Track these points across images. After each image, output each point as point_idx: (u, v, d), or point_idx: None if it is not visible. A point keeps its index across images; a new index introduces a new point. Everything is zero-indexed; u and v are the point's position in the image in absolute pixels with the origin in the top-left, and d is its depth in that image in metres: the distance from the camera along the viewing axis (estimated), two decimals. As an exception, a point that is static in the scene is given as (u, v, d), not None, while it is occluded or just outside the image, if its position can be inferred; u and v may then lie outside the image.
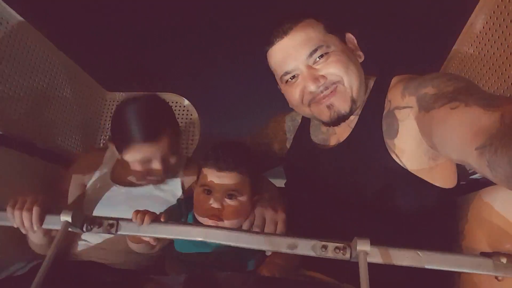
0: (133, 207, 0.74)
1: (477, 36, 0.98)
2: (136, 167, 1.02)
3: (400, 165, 0.82)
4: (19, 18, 1.24)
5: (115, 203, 1.07)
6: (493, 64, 0.91)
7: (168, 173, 1.08)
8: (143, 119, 1.00)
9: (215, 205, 0.88)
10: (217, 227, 0.74)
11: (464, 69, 1.07)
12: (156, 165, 1.02)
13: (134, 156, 1.00)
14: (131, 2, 1.88)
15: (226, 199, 0.88)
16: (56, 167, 1.35)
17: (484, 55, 0.94)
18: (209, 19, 1.97)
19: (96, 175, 1.16)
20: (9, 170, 1.15)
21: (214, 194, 0.89)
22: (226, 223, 0.88)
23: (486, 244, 0.79)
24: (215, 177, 0.89)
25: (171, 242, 0.94)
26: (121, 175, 1.14)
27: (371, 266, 0.57)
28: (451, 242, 0.88)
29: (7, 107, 1.20)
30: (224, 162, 0.89)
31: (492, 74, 0.91)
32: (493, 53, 0.90)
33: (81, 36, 1.86)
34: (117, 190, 1.10)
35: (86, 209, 1.08)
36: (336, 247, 0.62)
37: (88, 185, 1.14)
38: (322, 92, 0.85)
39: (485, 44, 0.94)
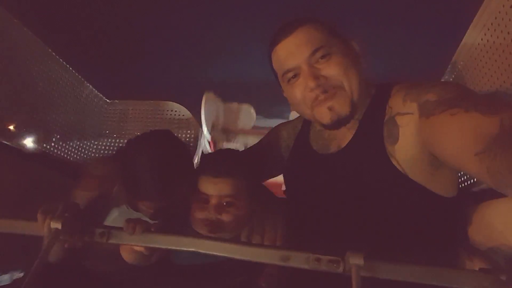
0: None
1: (488, 29, 0.98)
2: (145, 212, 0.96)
3: (400, 171, 0.81)
4: (22, 27, 1.26)
5: None
6: (500, 56, 0.90)
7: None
8: (156, 178, 0.87)
9: (212, 212, 0.86)
10: (209, 237, 0.73)
11: (473, 64, 1.06)
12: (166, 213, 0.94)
13: (143, 209, 0.94)
14: (132, 13, 1.91)
15: (223, 206, 0.87)
16: (54, 174, 1.35)
17: (497, 48, 0.93)
18: (212, 31, 2.00)
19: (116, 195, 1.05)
20: (6, 177, 1.15)
21: (211, 202, 0.87)
22: (224, 230, 0.86)
23: (487, 257, 0.78)
24: (212, 184, 0.88)
25: (168, 254, 0.92)
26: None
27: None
28: (450, 251, 0.87)
29: (7, 114, 1.21)
30: (220, 168, 0.88)
31: (499, 67, 0.90)
32: (504, 48, 0.89)
33: (82, 46, 1.89)
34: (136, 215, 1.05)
35: None
36: (329, 260, 0.61)
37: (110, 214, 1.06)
38: (322, 93, 0.85)
39: (497, 37, 0.94)
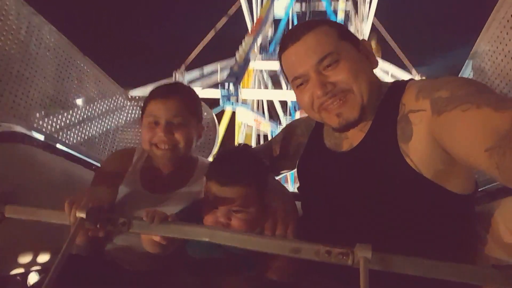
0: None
1: (503, 28, 0.95)
2: (146, 127, 1.06)
3: (414, 170, 0.80)
4: (55, 31, 1.37)
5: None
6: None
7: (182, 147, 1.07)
8: (172, 84, 1.17)
9: (222, 219, 0.86)
10: (222, 228, 0.75)
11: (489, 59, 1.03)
12: (161, 122, 1.04)
13: (149, 111, 1.06)
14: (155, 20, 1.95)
15: (232, 212, 0.87)
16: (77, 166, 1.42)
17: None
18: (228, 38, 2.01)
19: (127, 180, 1.14)
20: (34, 168, 1.22)
21: (220, 209, 0.87)
22: None
23: (503, 255, 0.77)
24: (219, 191, 0.87)
25: (183, 247, 0.94)
26: (150, 182, 1.13)
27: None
28: (466, 249, 0.86)
29: (34, 109, 1.28)
30: (226, 177, 0.87)
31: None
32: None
33: (111, 48, 1.94)
34: (147, 196, 1.10)
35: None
36: (339, 253, 0.62)
37: (120, 190, 1.12)
38: (330, 98, 0.85)
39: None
